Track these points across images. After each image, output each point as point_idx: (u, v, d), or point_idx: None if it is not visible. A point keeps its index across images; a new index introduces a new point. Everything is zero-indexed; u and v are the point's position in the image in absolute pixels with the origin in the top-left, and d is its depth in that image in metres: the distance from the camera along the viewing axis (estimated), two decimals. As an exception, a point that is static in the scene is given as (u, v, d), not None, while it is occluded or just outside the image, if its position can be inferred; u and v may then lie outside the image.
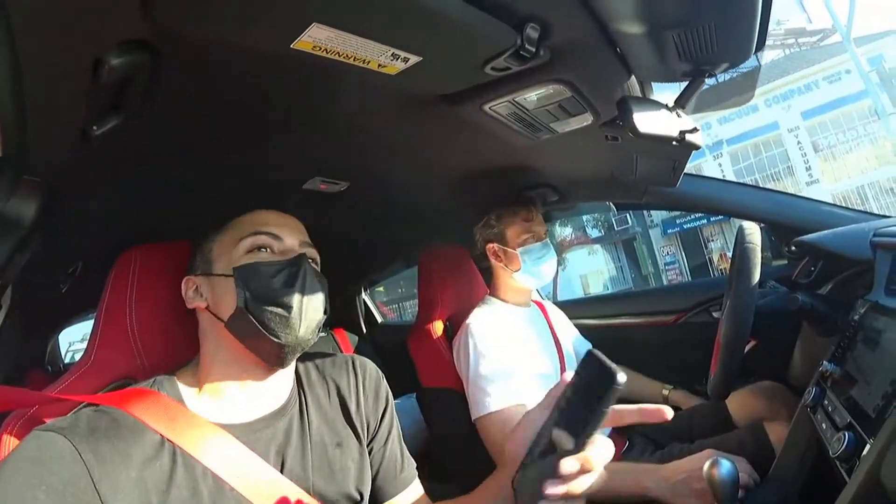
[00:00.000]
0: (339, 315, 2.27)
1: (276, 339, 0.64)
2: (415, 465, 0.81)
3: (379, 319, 2.45)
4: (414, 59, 0.62)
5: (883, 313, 0.72)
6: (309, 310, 0.66)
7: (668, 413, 0.50)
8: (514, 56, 0.64)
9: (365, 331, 2.32)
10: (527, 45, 0.62)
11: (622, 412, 0.53)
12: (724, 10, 0.60)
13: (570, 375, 0.55)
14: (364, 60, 0.61)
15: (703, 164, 15.60)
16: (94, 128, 0.63)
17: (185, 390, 0.66)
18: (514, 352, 1.19)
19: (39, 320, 1.48)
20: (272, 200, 0.76)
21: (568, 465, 0.48)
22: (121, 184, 0.88)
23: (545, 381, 1.22)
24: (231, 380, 0.67)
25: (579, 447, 0.49)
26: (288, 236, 0.71)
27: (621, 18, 0.61)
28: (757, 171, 15.32)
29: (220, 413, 0.65)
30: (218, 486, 0.59)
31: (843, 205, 1.40)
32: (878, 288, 0.82)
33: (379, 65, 0.62)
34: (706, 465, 0.71)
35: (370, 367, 0.80)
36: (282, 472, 0.64)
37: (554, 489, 0.48)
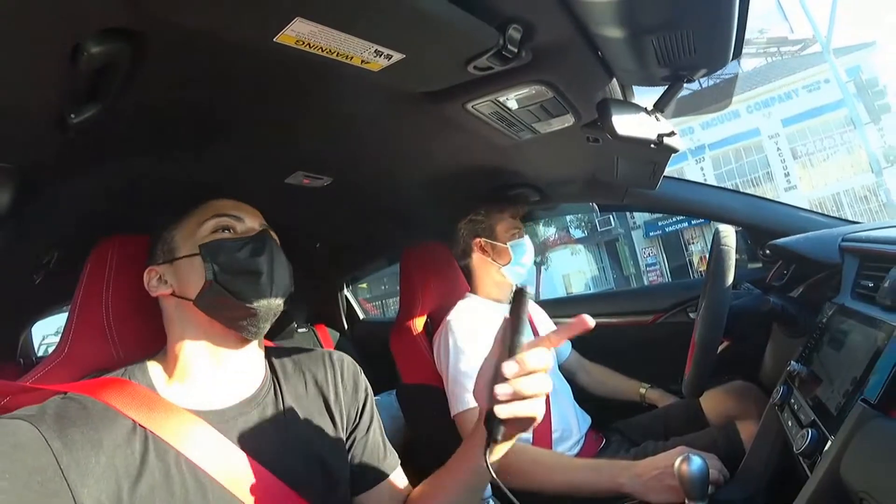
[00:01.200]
0: (321, 311, 2.26)
1: (248, 305, 0.66)
2: (396, 454, 0.82)
3: (361, 316, 2.44)
4: (397, 56, 0.62)
5: (848, 316, 0.74)
6: (277, 275, 0.68)
7: (590, 322, 0.54)
8: (496, 56, 0.65)
9: (346, 327, 2.31)
10: (509, 46, 0.63)
11: (553, 334, 0.58)
12: (702, 17, 0.62)
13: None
14: (347, 56, 0.61)
15: (686, 168, 15.88)
16: (72, 116, 0.62)
17: (157, 378, 0.66)
18: (495, 349, 1.20)
19: (11, 312, 1.44)
20: (256, 194, 0.76)
21: (508, 367, 0.53)
22: (98, 173, 0.86)
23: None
24: (201, 361, 0.68)
25: (520, 348, 0.55)
26: (248, 219, 0.73)
27: (602, 22, 0.62)
28: (738, 176, 15.65)
29: (192, 400, 0.65)
30: (192, 471, 0.59)
31: (820, 211, 1.44)
32: (845, 291, 0.85)
33: (362, 61, 0.62)
34: (677, 462, 0.72)
35: (347, 360, 0.81)
36: (255, 459, 0.64)
37: (502, 390, 0.52)
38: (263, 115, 0.82)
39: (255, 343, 0.73)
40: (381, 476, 0.77)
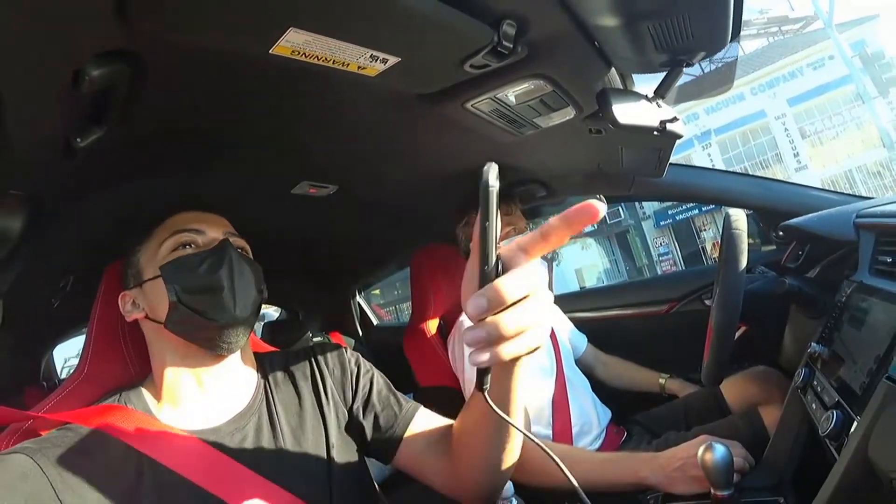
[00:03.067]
0: (335, 318, 2.27)
1: (214, 322, 0.65)
2: (412, 401, 0.80)
3: (374, 321, 2.45)
4: (392, 59, 0.62)
5: (867, 293, 0.72)
6: (239, 288, 0.67)
7: (601, 208, 0.37)
8: (491, 53, 0.65)
9: (361, 333, 2.32)
10: (504, 42, 0.62)
11: (546, 227, 0.40)
12: (694, 1, 0.61)
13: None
14: (343, 63, 0.61)
15: (693, 154, 15.69)
16: (78, 140, 0.63)
17: (150, 400, 0.68)
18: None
19: (32, 336, 1.47)
20: (264, 207, 0.77)
21: (474, 303, 0.38)
22: (108, 196, 0.87)
23: (543, 375, 1.22)
24: (185, 382, 0.68)
25: (488, 275, 0.39)
26: (210, 229, 0.72)
27: (596, 12, 0.61)
28: (746, 160, 15.42)
29: (186, 420, 0.66)
30: (190, 490, 0.60)
31: (833, 189, 1.41)
32: (863, 268, 0.83)
33: (358, 67, 0.63)
34: (700, 451, 0.71)
35: (330, 346, 0.81)
36: (255, 471, 0.64)
37: (472, 336, 0.38)
38: (266, 128, 0.83)
39: (236, 356, 0.73)
40: (404, 428, 0.75)
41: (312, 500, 0.66)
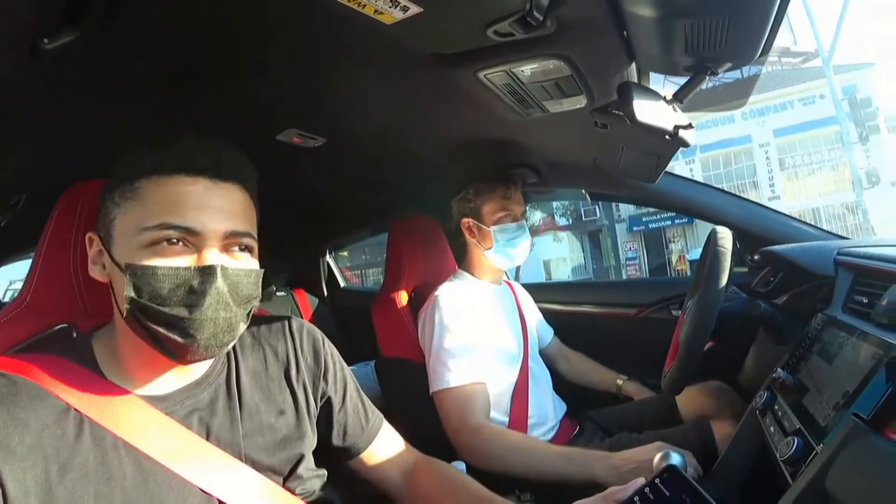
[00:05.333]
0: (301, 275, 2.22)
1: (168, 355, 0.56)
2: (378, 411, 0.82)
3: (342, 284, 2.41)
4: (414, 9, 0.58)
5: (840, 329, 0.74)
6: (208, 331, 0.55)
7: None
8: (519, 22, 0.61)
9: (326, 293, 2.28)
10: (535, 13, 0.59)
11: None
12: (742, 6, 0.58)
13: (636, 483, 0.54)
14: (359, 3, 0.56)
15: (675, 167, 15.97)
16: (45, 41, 0.57)
17: (101, 355, 0.60)
18: (481, 329, 1.19)
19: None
20: (243, 148, 0.67)
21: None
22: (73, 112, 0.80)
23: (509, 361, 1.22)
24: (145, 356, 0.59)
25: None
26: (210, 226, 0.56)
27: (638, -2, 0.58)
28: (725, 181, 15.85)
29: (136, 382, 0.59)
30: (132, 457, 0.55)
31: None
32: (837, 304, 0.85)
33: (376, 10, 0.58)
34: (657, 457, 0.72)
35: (306, 328, 0.76)
36: (208, 439, 0.60)
37: None
38: (260, 62, 0.77)
39: None
40: (368, 441, 0.78)
41: (266, 470, 0.64)
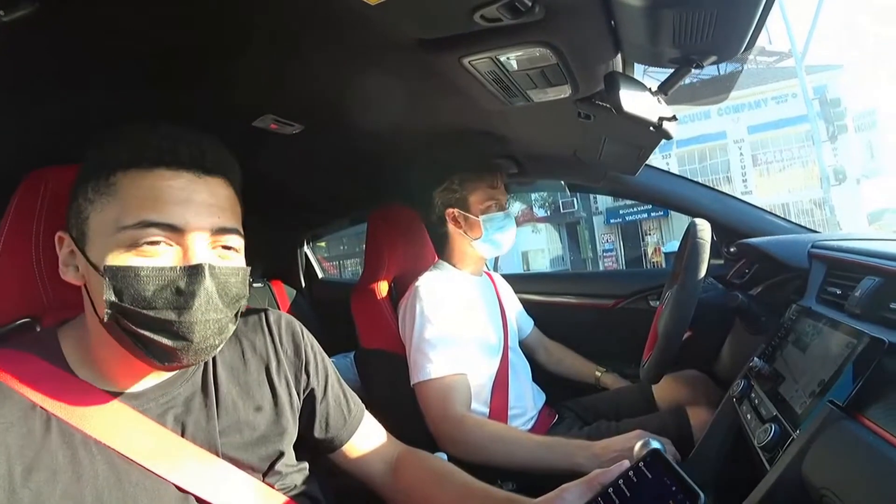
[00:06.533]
0: (279, 266, 2.18)
1: (153, 360, 0.52)
2: (360, 401, 0.81)
3: (320, 275, 2.38)
4: (400, -12, 0.56)
5: (814, 318, 0.76)
6: (198, 335, 0.52)
7: None
8: (507, 7, 0.60)
9: (304, 285, 2.25)
10: (524, -2, 0.58)
11: None
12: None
13: (620, 466, 0.54)
14: (344, -19, 0.54)
15: (652, 161, 16.18)
16: (1, 13, 0.53)
17: (70, 352, 0.57)
18: (462, 320, 1.18)
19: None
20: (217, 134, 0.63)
21: None
22: (32, 95, 0.75)
23: (489, 353, 1.22)
24: (121, 356, 0.55)
25: None
26: (195, 222, 0.53)
27: (625, -15, 0.57)
28: (700, 176, 16.19)
29: (107, 380, 0.56)
30: (104, 455, 0.52)
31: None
32: (810, 295, 0.87)
33: (360, -11, 0.56)
34: (637, 445, 0.73)
35: (284, 320, 0.74)
36: (183, 436, 0.58)
37: None
38: (236, 45, 0.74)
39: None
40: (350, 432, 0.76)
41: (245, 466, 0.62)
